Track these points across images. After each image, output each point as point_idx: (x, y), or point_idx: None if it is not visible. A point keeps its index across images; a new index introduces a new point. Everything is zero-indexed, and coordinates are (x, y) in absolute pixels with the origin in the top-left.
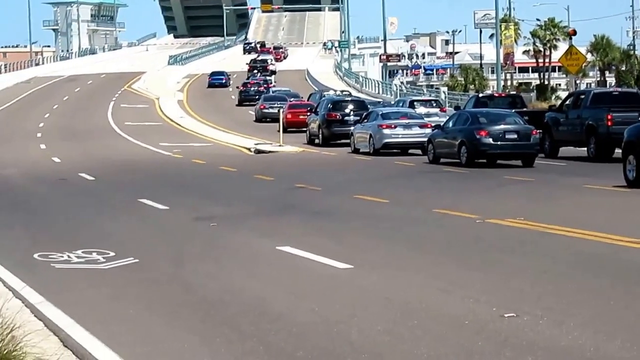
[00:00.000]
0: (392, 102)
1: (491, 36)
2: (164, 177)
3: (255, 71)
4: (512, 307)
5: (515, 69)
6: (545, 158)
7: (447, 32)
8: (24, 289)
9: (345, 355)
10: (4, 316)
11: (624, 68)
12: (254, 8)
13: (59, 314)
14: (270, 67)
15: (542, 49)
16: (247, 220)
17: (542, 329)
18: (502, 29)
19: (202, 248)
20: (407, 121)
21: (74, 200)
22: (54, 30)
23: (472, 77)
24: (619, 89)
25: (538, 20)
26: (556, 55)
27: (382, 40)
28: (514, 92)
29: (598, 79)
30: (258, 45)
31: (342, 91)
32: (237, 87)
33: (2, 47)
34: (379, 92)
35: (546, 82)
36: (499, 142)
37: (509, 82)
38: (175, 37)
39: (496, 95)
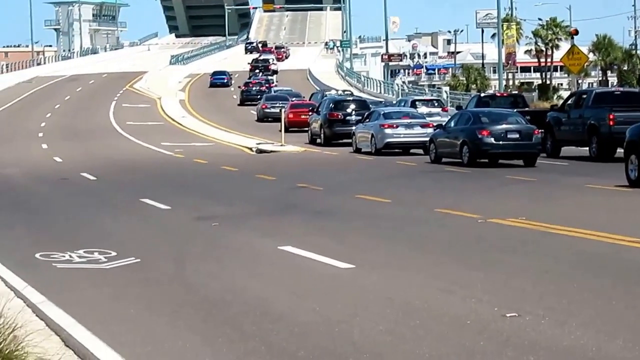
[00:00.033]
0: (394, 102)
1: (493, 36)
2: (166, 176)
3: (257, 71)
4: (514, 307)
5: (517, 68)
6: (547, 158)
7: (449, 31)
8: (25, 289)
9: (347, 355)
10: (6, 316)
11: (626, 68)
12: (256, 8)
13: (60, 314)
14: (272, 67)
15: (544, 49)
16: (248, 220)
17: (544, 328)
18: (504, 28)
19: (203, 248)
20: (408, 121)
21: (75, 200)
22: (55, 30)
23: (474, 76)
24: (621, 89)
25: (540, 19)
26: (558, 54)
27: (384, 40)
28: (516, 92)
29: (600, 78)
30: (260, 45)
31: (343, 91)
32: (239, 87)
33: (3, 46)
34: (380, 92)
35: (548, 82)
36: (500, 142)
37: (510, 82)
38: (177, 36)
39: (498, 94)
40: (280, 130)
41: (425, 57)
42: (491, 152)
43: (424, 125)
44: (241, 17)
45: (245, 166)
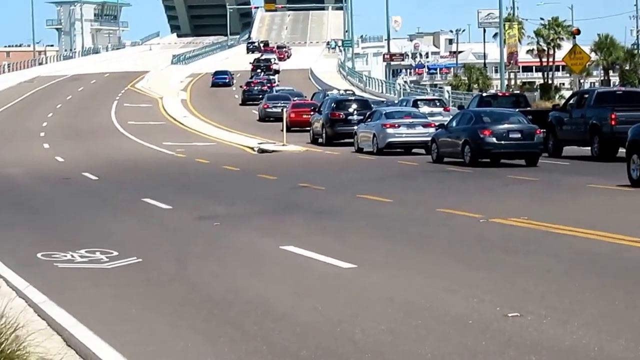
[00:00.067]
0: (396, 102)
1: (495, 35)
2: (167, 176)
3: (259, 70)
4: (516, 306)
5: (519, 68)
6: (549, 157)
7: (451, 31)
8: (27, 289)
9: (349, 354)
10: (8, 316)
11: (628, 67)
12: (258, 7)
13: (62, 314)
14: (274, 67)
15: (545, 48)
16: (250, 219)
17: (546, 328)
18: (506, 28)
19: (205, 247)
20: (410, 120)
21: (77, 200)
22: (57, 29)
23: (475, 76)
24: (623, 88)
25: (542, 19)
26: (560, 54)
27: (385, 40)
28: (518, 92)
29: (602, 78)
30: (261, 45)
31: (345, 90)
32: (241, 87)
33: (5, 46)
34: (382, 92)
35: (550, 82)
36: (502, 142)
37: (512, 82)
38: (178, 36)
39: (500, 94)
40: (282, 130)
41: (427, 57)
42: (493, 151)
43: (425, 125)
44: (243, 16)
45: (247, 166)
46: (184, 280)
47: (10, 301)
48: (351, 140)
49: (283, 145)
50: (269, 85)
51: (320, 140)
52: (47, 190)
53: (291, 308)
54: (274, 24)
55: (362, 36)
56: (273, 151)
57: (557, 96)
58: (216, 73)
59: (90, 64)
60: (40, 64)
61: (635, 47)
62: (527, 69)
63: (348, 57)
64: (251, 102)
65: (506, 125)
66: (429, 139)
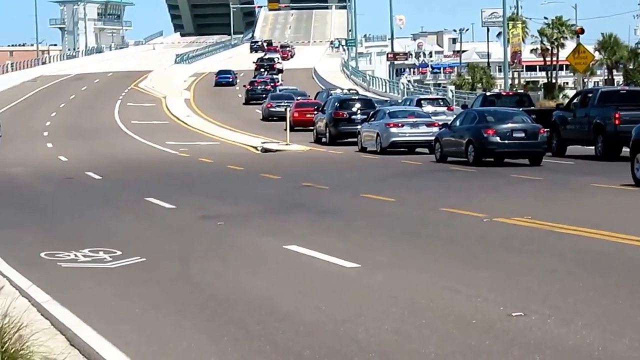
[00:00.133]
0: (399, 101)
1: (499, 34)
2: (171, 175)
3: (262, 70)
4: (520, 306)
5: (522, 67)
6: (553, 157)
7: (455, 30)
8: (30, 288)
9: (352, 354)
10: (11, 315)
11: (631, 66)
12: (261, 6)
13: (65, 313)
14: (277, 66)
15: (549, 48)
16: (254, 219)
17: (550, 328)
18: (510, 27)
19: (208, 247)
20: (414, 120)
21: (80, 199)
22: (60, 28)
23: (479, 75)
24: (627, 88)
25: (545, 18)
26: (564, 53)
27: (389, 39)
28: (522, 91)
29: (606, 77)
30: (265, 44)
31: (349, 90)
32: (244, 86)
33: (8, 45)
34: (386, 91)
35: (554, 81)
36: (506, 141)
37: (516, 81)
38: (182, 35)
39: (503, 93)
40: (286, 129)
41: (431, 56)
42: (497, 151)
43: (429, 125)
44: (246, 15)
45: (251, 165)
46: (187, 279)
47: (13, 300)
48: (355, 139)
49: (286, 144)
50: (272, 84)
51: (323, 139)
52: (51, 190)
53: (295, 307)
54: (277, 23)
55: (365, 35)
56: (276, 150)
57: (560, 95)
58: (219, 72)
59: (94, 64)
60: (43, 63)
61: (639, 46)
62: (530, 68)
63: (351, 57)
64: (254, 102)
65: (510, 125)
66: (433, 138)
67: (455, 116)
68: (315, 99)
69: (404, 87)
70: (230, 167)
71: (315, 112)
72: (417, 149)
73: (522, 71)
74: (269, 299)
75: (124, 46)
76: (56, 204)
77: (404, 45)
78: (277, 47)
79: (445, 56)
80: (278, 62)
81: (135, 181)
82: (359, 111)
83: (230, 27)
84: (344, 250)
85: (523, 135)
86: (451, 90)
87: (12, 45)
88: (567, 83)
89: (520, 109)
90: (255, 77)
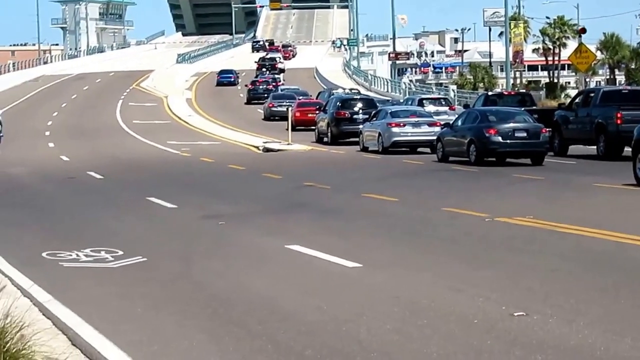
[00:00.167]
0: (401, 101)
1: (500, 34)
2: (172, 175)
3: (264, 69)
4: (522, 305)
5: (524, 67)
6: (555, 156)
7: (456, 30)
8: (32, 288)
9: (354, 354)
10: (13, 315)
11: (633, 66)
12: (263, 6)
13: (67, 313)
14: (279, 66)
15: (551, 47)
16: (255, 218)
17: (552, 327)
18: (512, 27)
19: (210, 246)
20: (416, 119)
21: (82, 199)
22: (62, 28)
23: (481, 75)
24: (629, 87)
25: (547, 18)
26: (565, 53)
27: (391, 39)
28: (524, 90)
29: (608, 77)
30: (267, 44)
31: (350, 89)
32: (246, 86)
33: (10, 45)
34: (387, 91)
35: (555, 80)
36: (508, 141)
37: (518, 80)
38: (183, 35)
39: (505, 93)
40: (287, 129)
41: (433, 56)
42: (499, 150)
43: (431, 124)
44: (248, 15)
45: (252, 165)
46: (188, 279)
47: (15, 300)
48: (356, 139)
49: (288, 144)
50: (274, 84)
51: (325, 139)
52: (52, 189)
53: (296, 307)
54: (279, 22)
55: (367, 35)
56: (278, 150)
57: (562, 95)
58: (221, 72)
59: (95, 63)
60: (45, 63)
61: None
62: (532, 67)
63: (353, 56)
64: (256, 101)
65: (512, 124)
66: (435, 138)
67: (457, 116)
68: (317, 98)
69: (405, 87)
70: (231, 167)
71: (317, 112)
72: (419, 149)
73: (524, 71)
74: (271, 298)
75: (125, 46)
76: (58, 204)
77: (405, 44)
78: (278, 46)
79: (447, 56)
80: (280, 62)
81: (137, 181)
82: (360, 111)
83: (232, 26)
84: (345, 250)
85: (525, 135)
86: (453, 90)
87: (14, 45)
88: (569, 83)
89: (522, 109)
90: (257, 76)
